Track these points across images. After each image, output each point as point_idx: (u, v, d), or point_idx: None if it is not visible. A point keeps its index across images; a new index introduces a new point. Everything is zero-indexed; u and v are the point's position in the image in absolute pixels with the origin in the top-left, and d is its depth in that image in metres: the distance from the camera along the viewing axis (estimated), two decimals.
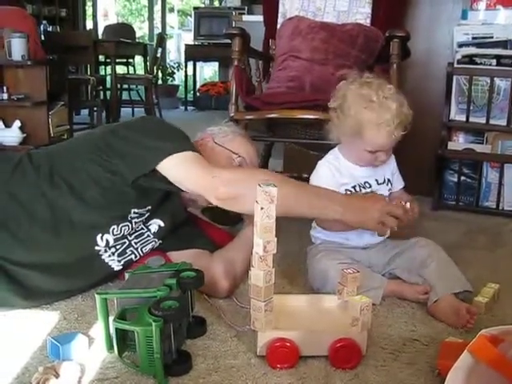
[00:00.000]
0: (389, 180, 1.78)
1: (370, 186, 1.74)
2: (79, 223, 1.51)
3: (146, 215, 1.62)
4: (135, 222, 1.60)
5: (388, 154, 1.69)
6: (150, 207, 1.61)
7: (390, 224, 1.54)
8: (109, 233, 1.55)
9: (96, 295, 1.31)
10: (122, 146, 1.52)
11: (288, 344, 1.27)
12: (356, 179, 1.72)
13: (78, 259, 1.53)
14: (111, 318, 1.27)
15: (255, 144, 1.91)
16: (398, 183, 1.83)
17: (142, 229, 1.65)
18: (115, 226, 1.56)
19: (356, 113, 1.62)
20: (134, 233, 1.63)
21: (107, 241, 1.56)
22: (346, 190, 1.71)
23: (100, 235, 1.54)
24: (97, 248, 1.55)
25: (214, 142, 1.80)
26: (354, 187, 1.72)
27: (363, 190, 1.73)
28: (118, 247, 1.60)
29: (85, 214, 1.51)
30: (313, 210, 1.56)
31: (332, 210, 1.53)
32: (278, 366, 1.27)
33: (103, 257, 1.58)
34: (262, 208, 1.19)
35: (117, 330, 1.23)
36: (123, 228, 1.58)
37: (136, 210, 1.58)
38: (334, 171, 1.71)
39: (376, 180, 1.75)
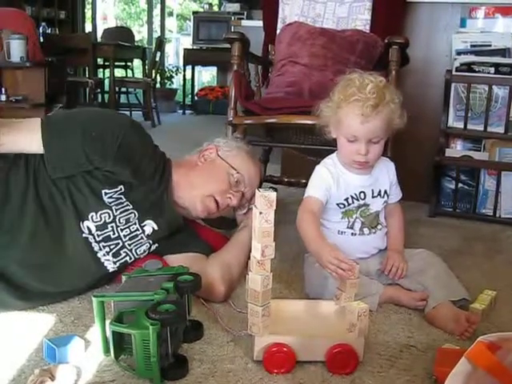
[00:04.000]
0: (385, 192, 1.73)
1: (365, 198, 1.69)
2: (62, 209, 1.53)
3: (126, 204, 1.62)
4: (116, 210, 1.60)
5: (373, 154, 1.61)
6: (121, 186, 1.61)
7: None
8: (88, 220, 1.56)
9: (93, 298, 1.30)
10: None
11: (285, 349, 1.26)
12: (350, 190, 1.68)
13: (72, 252, 1.54)
14: (108, 321, 1.27)
15: (259, 164, 1.89)
16: (396, 195, 1.78)
17: (137, 230, 1.65)
18: (94, 213, 1.56)
19: (337, 93, 1.60)
20: (128, 234, 1.63)
21: (89, 228, 1.56)
22: (337, 204, 1.67)
23: (81, 222, 1.55)
24: (84, 235, 1.55)
25: (217, 155, 1.80)
26: (346, 199, 1.67)
27: (356, 203, 1.68)
28: (111, 247, 1.60)
29: (64, 196, 1.54)
30: None
31: None
32: (275, 370, 1.27)
33: (98, 255, 1.58)
34: (260, 213, 1.19)
35: (113, 333, 1.23)
36: (103, 215, 1.58)
37: (107, 191, 1.58)
38: (330, 176, 1.67)
39: (372, 191, 1.70)
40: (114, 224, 1.59)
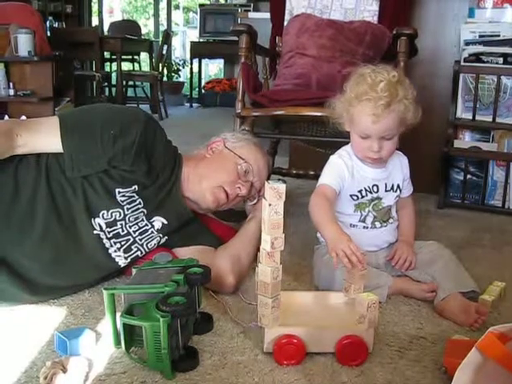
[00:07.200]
0: (398, 186, 1.73)
1: (378, 191, 1.69)
2: (74, 205, 1.53)
3: (138, 202, 1.62)
4: (127, 209, 1.60)
5: (386, 150, 1.61)
6: (135, 186, 1.60)
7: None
8: (99, 217, 1.56)
9: (103, 291, 1.31)
10: None
11: (295, 340, 1.27)
12: (364, 182, 1.68)
13: (83, 248, 1.54)
14: (118, 314, 1.27)
15: (266, 156, 1.89)
16: (408, 190, 1.79)
17: (146, 225, 1.66)
18: (105, 211, 1.56)
19: (348, 90, 1.59)
20: (137, 230, 1.64)
21: (100, 225, 1.56)
22: (350, 195, 1.67)
23: (92, 219, 1.55)
24: (95, 232, 1.56)
25: (225, 146, 1.80)
26: (360, 191, 1.68)
27: (369, 195, 1.69)
28: (122, 243, 1.61)
29: (76, 193, 1.53)
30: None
31: None
32: (285, 362, 1.27)
33: (110, 251, 1.59)
34: (270, 204, 1.19)
35: (124, 325, 1.23)
36: (114, 213, 1.58)
37: (121, 190, 1.58)
38: (346, 168, 1.66)
39: (385, 184, 1.70)
40: (123, 222, 1.60)
